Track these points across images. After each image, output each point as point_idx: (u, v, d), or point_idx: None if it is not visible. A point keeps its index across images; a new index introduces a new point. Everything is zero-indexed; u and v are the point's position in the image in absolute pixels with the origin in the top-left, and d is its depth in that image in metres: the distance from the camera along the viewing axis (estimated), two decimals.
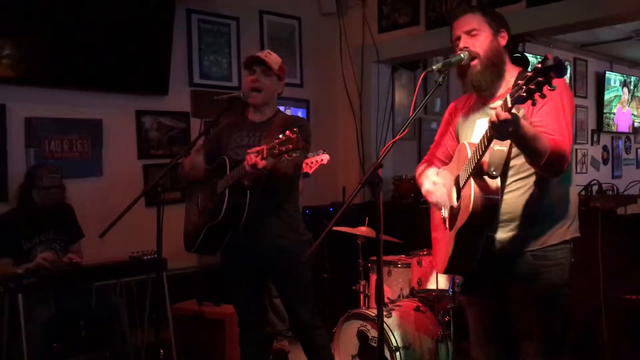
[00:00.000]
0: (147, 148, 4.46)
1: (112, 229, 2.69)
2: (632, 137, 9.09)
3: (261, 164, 2.46)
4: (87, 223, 3.76)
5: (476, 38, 2.15)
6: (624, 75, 8.45)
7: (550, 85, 1.61)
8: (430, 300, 3.45)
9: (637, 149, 9.26)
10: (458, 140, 2.33)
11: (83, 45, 3.97)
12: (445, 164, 2.39)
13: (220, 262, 3.10)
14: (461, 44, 2.16)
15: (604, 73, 8.09)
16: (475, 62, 2.13)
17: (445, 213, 2.21)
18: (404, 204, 5.16)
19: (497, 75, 2.17)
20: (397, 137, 2.13)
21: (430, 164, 2.43)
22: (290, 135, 2.38)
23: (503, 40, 2.19)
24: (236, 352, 3.84)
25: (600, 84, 8.04)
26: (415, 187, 5.27)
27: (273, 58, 2.97)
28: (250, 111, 3.05)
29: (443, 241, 2.26)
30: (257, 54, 2.97)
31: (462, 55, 2.13)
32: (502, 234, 2.11)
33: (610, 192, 4.25)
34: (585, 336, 3.76)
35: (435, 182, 2.22)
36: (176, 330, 3.77)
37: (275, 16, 5.24)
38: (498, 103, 1.76)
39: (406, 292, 3.63)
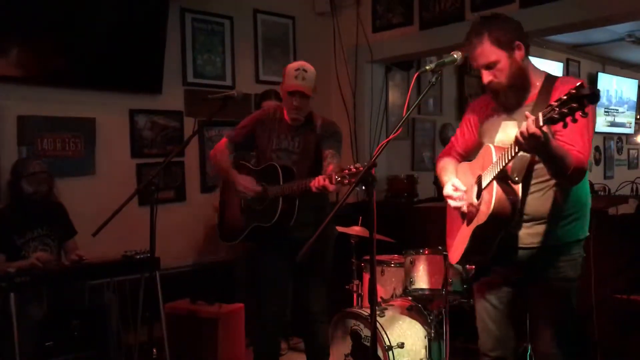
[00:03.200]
0: (140, 147, 4.45)
1: (105, 227, 2.69)
2: (623, 138, 9.14)
3: (331, 187, 2.73)
4: (80, 222, 3.75)
5: (497, 68, 2.19)
6: (616, 77, 8.50)
7: (583, 112, 1.70)
8: (423, 299, 3.45)
9: (628, 150, 9.31)
10: (480, 137, 2.43)
11: (76, 44, 3.96)
12: (462, 156, 2.54)
13: (255, 250, 3.30)
14: (485, 80, 2.22)
15: (597, 74, 8.13)
16: (502, 87, 2.21)
17: (464, 208, 2.30)
18: (397, 203, 5.17)
19: (523, 90, 2.23)
20: (391, 137, 2.17)
21: (449, 156, 2.56)
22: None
23: (520, 53, 2.21)
24: (228, 351, 3.86)
25: (593, 85, 8.09)
26: (409, 187, 5.33)
27: (310, 79, 3.07)
28: (285, 111, 3.18)
29: (460, 234, 2.38)
30: (299, 81, 3.04)
31: (455, 56, 2.17)
32: (525, 230, 2.24)
33: (602, 193, 4.28)
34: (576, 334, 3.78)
35: (455, 187, 2.31)
36: (169, 329, 3.76)
37: (270, 15, 5.24)
38: (531, 118, 1.84)
39: (399, 291, 3.64)
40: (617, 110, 8.56)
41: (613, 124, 8.55)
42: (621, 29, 6.62)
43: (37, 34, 3.81)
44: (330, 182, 2.70)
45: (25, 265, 3.27)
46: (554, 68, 7.15)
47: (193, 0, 4.70)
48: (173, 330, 3.83)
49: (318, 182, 2.75)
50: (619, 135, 8.97)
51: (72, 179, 4.03)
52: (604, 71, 8.34)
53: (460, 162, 2.56)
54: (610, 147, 8.85)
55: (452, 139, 2.60)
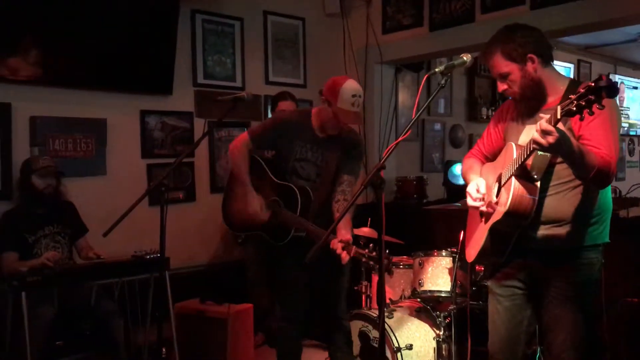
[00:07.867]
0: (150, 147, 4.47)
1: (116, 228, 2.70)
2: (635, 139, 9.07)
3: (345, 259, 2.72)
4: (90, 222, 3.78)
5: (509, 79, 2.25)
6: (628, 78, 8.45)
7: (599, 104, 1.72)
8: (431, 301, 3.46)
9: None
10: (505, 140, 2.44)
11: (88, 45, 3.99)
12: (488, 158, 2.55)
13: (276, 254, 3.19)
14: (499, 88, 2.31)
15: (608, 75, 8.09)
16: (515, 95, 2.28)
17: (483, 207, 2.32)
18: (406, 204, 5.17)
19: (537, 100, 2.25)
20: (400, 139, 2.17)
21: (475, 157, 2.59)
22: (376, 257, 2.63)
23: (533, 66, 2.22)
24: (237, 351, 3.87)
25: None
26: (419, 188, 5.33)
27: (362, 103, 2.99)
28: (313, 121, 3.10)
29: (477, 232, 2.40)
30: (355, 108, 2.91)
31: (464, 58, 2.19)
32: (541, 232, 2.24)
33: (613, 195, 4.24)
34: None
35: (478, 188, 2.33)
36: (178, 329, 3.78)
37: (280, 17, 5.25)
38: (547, 115, 1.86)
39: (408, 293, 3.64)
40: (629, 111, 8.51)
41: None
42: (633, 29, 6.57)
43: (49, 36, 3.84)
44: (348, 253, 2.71)
45: (36, 264, 3.30)
46: (565, 69, 7.11)
47: (204, 2, 4.72)
48: (182, 330, 3.85)
49: (338, 249, 2.72)
50: (631, 137, 8.91)
51: (83, 179, 4.06)
52: (615, 72, 8.29)
53: (485, 163, 2.58)
54: (621, 148, 8.78)
55: (479, 140, 2.63)
